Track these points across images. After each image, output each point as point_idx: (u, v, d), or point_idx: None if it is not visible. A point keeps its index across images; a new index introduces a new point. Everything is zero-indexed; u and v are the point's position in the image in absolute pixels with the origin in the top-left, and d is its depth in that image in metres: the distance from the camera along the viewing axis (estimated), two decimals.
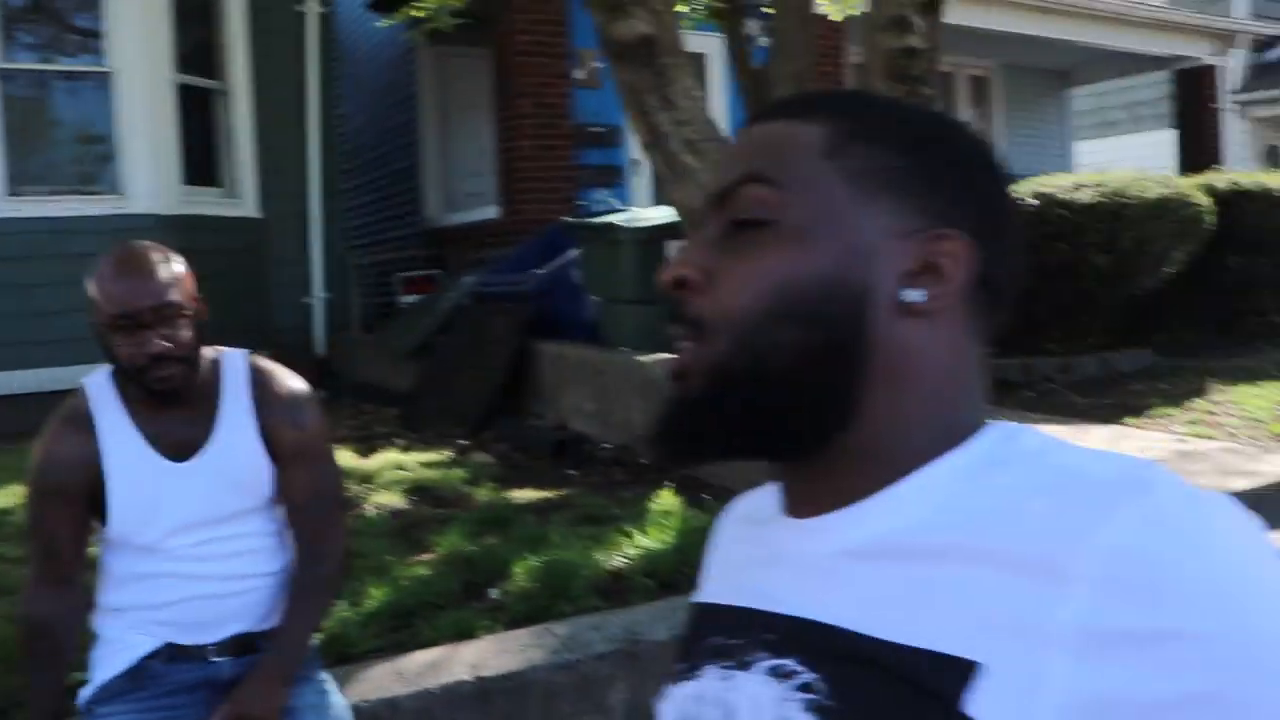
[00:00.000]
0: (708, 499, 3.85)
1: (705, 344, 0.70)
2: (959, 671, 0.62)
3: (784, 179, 0.70)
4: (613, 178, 8.52)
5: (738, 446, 0.72)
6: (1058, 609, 0.59)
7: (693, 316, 0.71)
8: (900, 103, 0.78)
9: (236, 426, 2.16)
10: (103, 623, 2.19)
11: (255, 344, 2.20)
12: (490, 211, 8.62)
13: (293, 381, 2.25)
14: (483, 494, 4.15)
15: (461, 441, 5.22)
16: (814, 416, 0.69)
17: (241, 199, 7.55)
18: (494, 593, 3.11)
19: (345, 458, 4.39)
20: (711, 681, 0.72)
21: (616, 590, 3.16)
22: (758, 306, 0.69)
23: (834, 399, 0.69)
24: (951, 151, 0.74)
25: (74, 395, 2.15)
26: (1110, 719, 0.58)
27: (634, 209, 6.67)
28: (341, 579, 2.37)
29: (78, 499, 2.09)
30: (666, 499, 3.88)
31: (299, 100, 7.67)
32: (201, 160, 7.25)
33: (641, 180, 8.52)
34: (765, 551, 0.76)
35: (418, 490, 4.21)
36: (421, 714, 2.56)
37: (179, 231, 6.27)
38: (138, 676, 2.14)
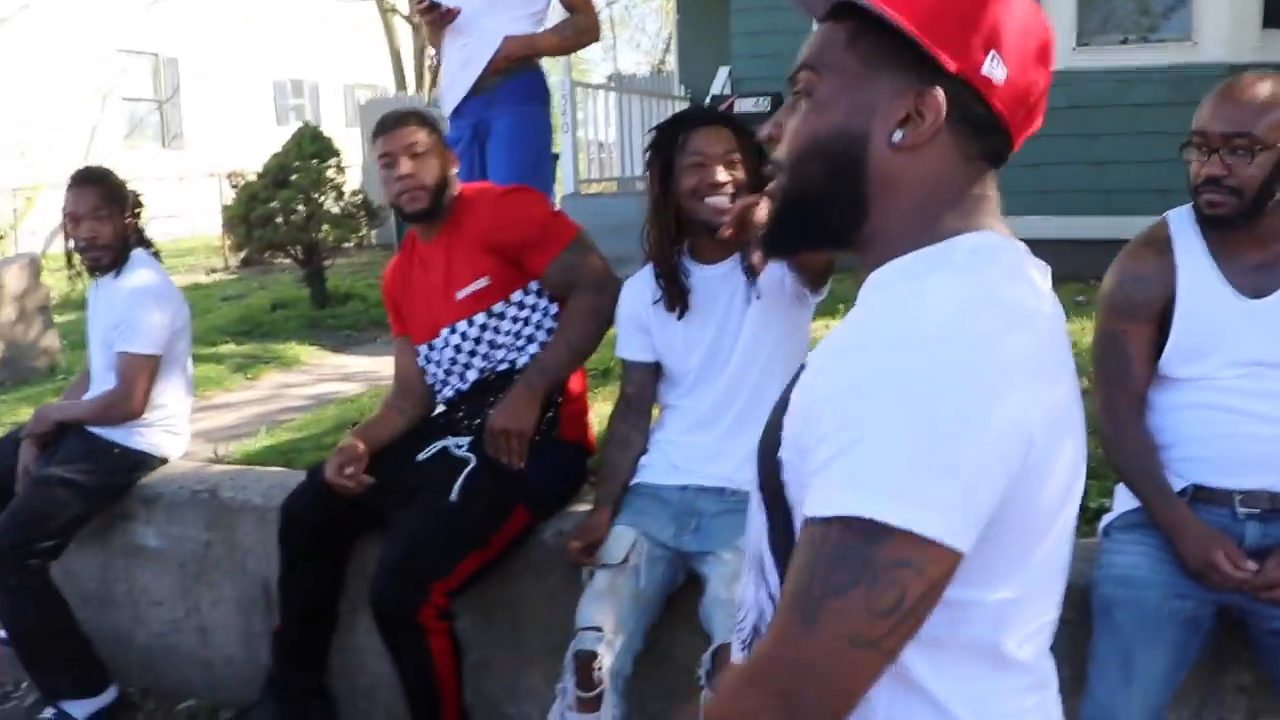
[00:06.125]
0: None
1: (779, 177, 1.08)
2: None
3: (820, 65, 1.04)
4: None
5: (805, 241, 1.12)
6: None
7: (773, 159, 1.09)
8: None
9: None
10: None
11: None
12: None
13: None
14: None
15: None
16: (839, 218, 1.05)
17: None
18: None
19: None
20: None
21: None
22: (797, 151, 1.05)
23: (849, 206, 1.04)
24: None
25: (1157, 223, 2.23)
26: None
27: None
28: None
29: (1150, 319, 2.18)
30: None
31: None
32: None
33: None
34: None
35: None
36: None
37: None
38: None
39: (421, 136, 2.85)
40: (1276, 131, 2.00)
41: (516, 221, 2.84)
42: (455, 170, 2.95)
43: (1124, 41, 6.73)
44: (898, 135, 1.00)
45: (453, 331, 2.88)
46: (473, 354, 2.88)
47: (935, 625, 0.93)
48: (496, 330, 2.85)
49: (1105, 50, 6.69)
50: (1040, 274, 1.05)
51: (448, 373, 2.92)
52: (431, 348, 2.93)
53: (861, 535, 0.87)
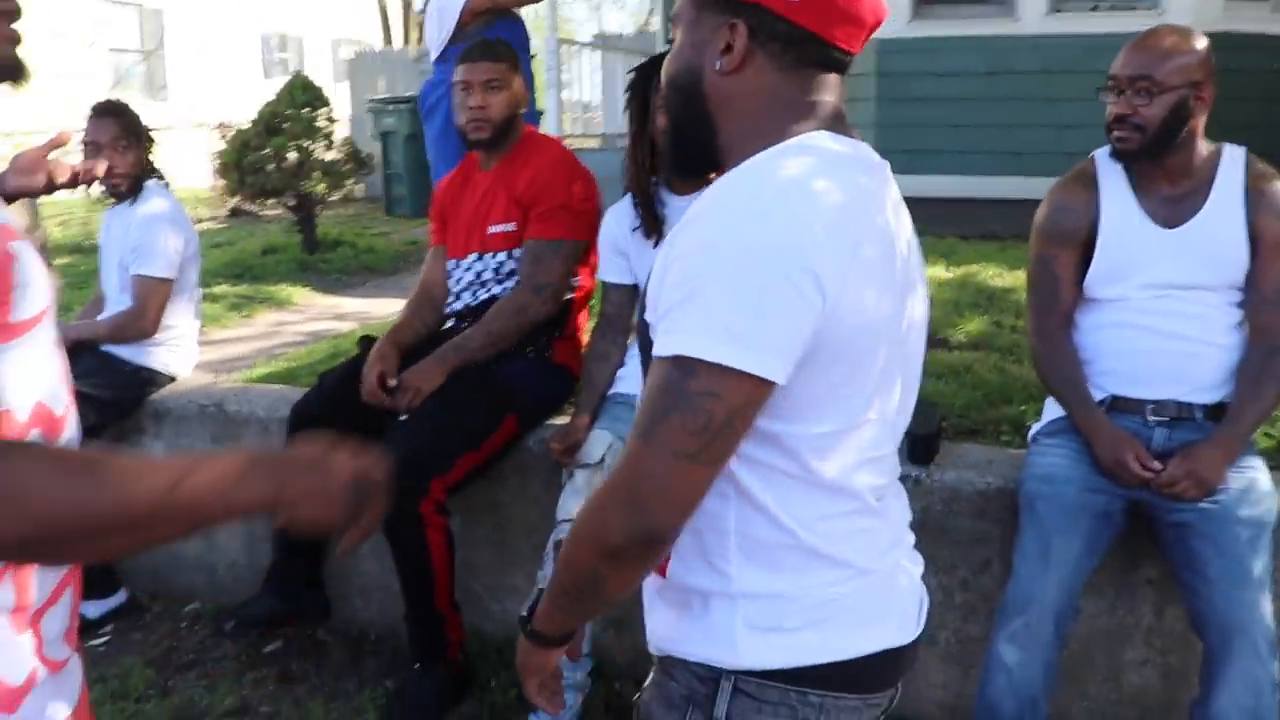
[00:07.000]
0: None
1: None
2: None
3: (676, 18, 1.30)
4: None
5: (688, 162, 1.36)
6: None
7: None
8: None
9: (1224, 209, 2.32)
10: None
11: None
12: None
13: None
14: None
15: None
16: (698, 137, 1.30)
17: None
18: None
19: None
20: None
21: None
22: (663, 89, 1.33)
23: (701, 126, 1.29)
24: None
25: (1085, 160, 2.48)
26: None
27: None
28: None
29: (1076, 245, 2.43)
30: None
31: None
32: None
33: None
34: None
35: None
36: None
37: (1218, 51, 6.12)
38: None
39: (500, 71, 3.07)
40: (1175, 76, 2.27)
41: (548, 189, 3.05)
42: (524, 110, 3.18)
43: (1094, 9, 6.94)
44: (718, 63, 1.24)
45: (479, 258, 3.13)
46: (490, 280, 3.13)
47: (769, 455, 1.20)
48: (513, 272, 3.10)
49: (1077, 17, 6.90)
50: (861, 165, 1.22)
51: (464, 289, 3.16)
52: (459, 265, 3.18)
53: (680, 370, 1.12)
